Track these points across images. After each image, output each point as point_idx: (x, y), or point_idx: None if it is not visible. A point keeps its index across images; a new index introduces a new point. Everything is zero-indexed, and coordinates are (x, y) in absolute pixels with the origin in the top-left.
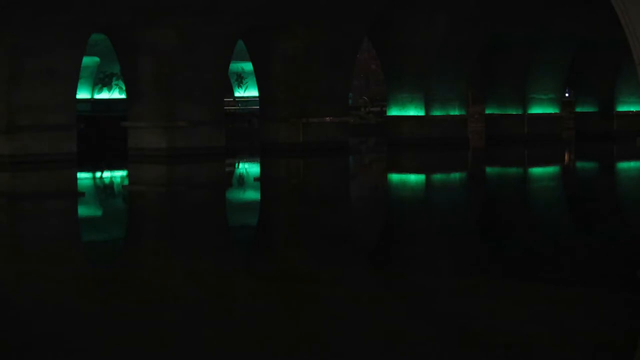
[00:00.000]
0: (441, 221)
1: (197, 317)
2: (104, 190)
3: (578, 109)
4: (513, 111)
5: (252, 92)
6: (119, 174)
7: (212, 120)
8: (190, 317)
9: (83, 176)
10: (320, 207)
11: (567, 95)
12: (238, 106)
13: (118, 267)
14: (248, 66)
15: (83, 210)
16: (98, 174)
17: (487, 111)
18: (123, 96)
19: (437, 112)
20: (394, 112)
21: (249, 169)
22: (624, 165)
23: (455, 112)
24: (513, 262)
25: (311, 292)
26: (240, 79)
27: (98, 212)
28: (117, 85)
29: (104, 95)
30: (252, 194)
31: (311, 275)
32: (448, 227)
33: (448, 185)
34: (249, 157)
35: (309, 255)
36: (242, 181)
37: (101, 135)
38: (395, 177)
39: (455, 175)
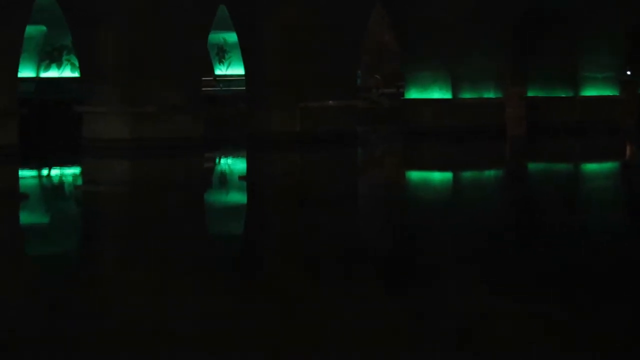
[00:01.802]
0: (471, 232)
1: (172, 351)
2: (52, 191)
3: None
4: (561, 93)
5: (237, 69)
6: (71, 171)
7: (187, 104)
8: (164, 351)
9: (26, 174)
10: (321, 214)
11: (628, 73)
12: (219, 87)
13: (68, 291)
14: (231, 37)
15: (26, 217)
16: (45, 172)
17: (529, 93)
18: (76, 74)
19: (466, 95)
20: (413, 94)
21: (233, 165)
22: None
23: (489, 94)
24: (564, 287)
25: (307, 322)
26: (222, 53)
27: (44, 219)
28: (68, 60)
29: (52, 73)
30: (237, 197)
31: (307, 301)
32: (479, 239)
33: (480, 186)
34: (233, 151)
35: (306, 275)
36: (224, 181)
37: (49, 123)
38: (413, 175)
39: (489, 174)
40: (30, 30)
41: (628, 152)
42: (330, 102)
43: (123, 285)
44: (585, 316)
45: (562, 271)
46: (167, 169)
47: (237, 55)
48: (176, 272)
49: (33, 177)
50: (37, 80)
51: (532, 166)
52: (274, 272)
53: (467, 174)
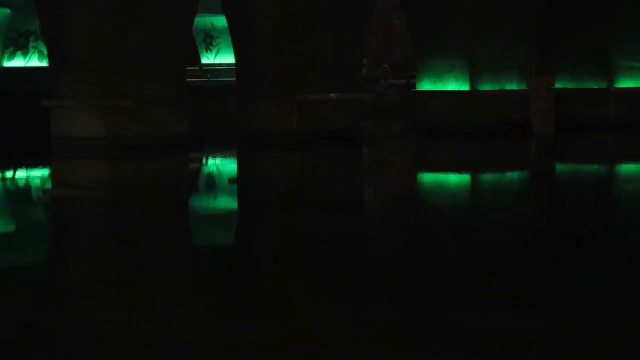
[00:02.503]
0: (490, 243)
1: None
2: (17, 196)
3: None
4: (593, 84)
5: (226, 57)
6: (38, 174)
7: (169, 97)
8: None
9: None
10: (321, 223)
11: None
12: (206, 78)
13: (30, 314)
14: (220, 21)
15: None
16: (8, 174)
17: (558, 85)
18: (44, 64)
19: (486, 86)
20: (426, 85)
21: (222, 166)
22: None
23: (512, 85)
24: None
25: (307, 343)
26: (210, 40)
27: (9, 228)
28: (35, 48)
29: (18, 62)
30: (226, 203)
31: (306, 319)
32: (500, 251)
33: (501, 191)
34: (221, 150)
35: (304, 292)
36: (211, 184)
37: (13, 119)
38: (426, 179)
39: (511, 177)
40: None
41: None
42: (333, 95)
43: (95, 304)
44: (611, 337)
45: (591, 286)
46: (146, 171)
47: (226, 41)
48: (157, 289)
49: None
50: (1, 70)
51: (561, 168)
52: (267, 288)
53: (487, 178)
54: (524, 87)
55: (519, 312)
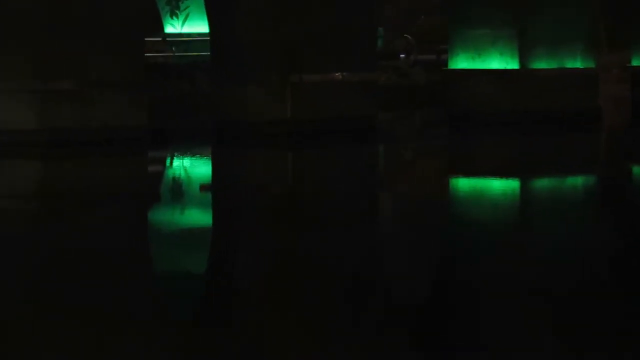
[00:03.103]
0: (546, 273)
1: None
2: None
3: None
4: None
5: (197, 26)
6: None
7: (122, 78)
8: None
9: None
10: (321, 245)
11: None
12: (171, 52)
13: None
14: None
15: None
16: None
17: (635, 62)
18: None
19: (541, 64)
20: (461, 63)
21: (192, 169)
22: None
23: (576, 63)
24: None
25: None
26: (176, 2)
27: None
28: None
29: None
30: (197, 218)
31: None
32: (558, 286)
33: (560, 202)
34: (191, 148)
35: (296, 334)
36: (178, 193)
37: None
38: (461, 186)
39: (575, 182)
40: None
41: None
42: (337, 74)
43: (25, 347)
44: None
45: None
46: (91, 175)
47: (197, 5)
48: (107, 328)
49: None
50: None
51: None
52: (249, 330)
53: (545, 183)
54: (591, 65)
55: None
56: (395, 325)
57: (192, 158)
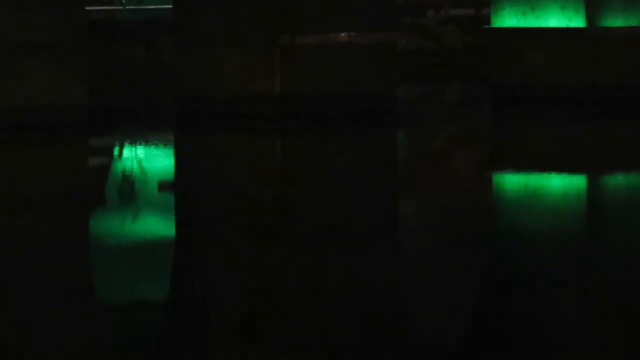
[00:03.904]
0: (615, 301)
1: None
2: None
3: None
4: None
5: None
6: None
7: (56, 41)
8: None
9: None
10: (321, 264)
11: None
12: (122, 6)
13: None
14: None
15: None
16: None
17: None
18: None
19: (617, 21)
20: (508, 20)
21: (148, 160)
22: None
23: None
24: None
25: None
26: None
27: None
28: None
29: None
30: (155, 226)
31: None
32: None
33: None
34: (147, 132)
35: None
36: (130, 192)
37: None
38: (508, 185)
39: None
40: None
41: None
42: (343, 34)
43: None
44: None
45: None
46: (17, 167)
47: None
48: None
49: None
50: None
51: None
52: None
53: (617, 180)
54: None
55: None
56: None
57: (148, 147)
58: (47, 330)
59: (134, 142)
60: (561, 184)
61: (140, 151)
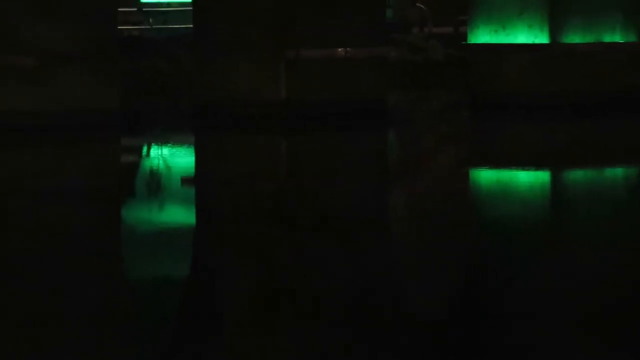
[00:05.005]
0: (589, 285)
1: None
2: None
3: None
4: None
5: None
6: None
7: (91, 55)
8: None
9: None
10: (323, 250)
11: None
12: (149, 25)
13: None
14: None
15: None
16: None
17: None
18: None
19: (576, 38)
20: (483, 36)
21: (171, 158)
22: None
23: (615, 37)
24: None
25: None
26: None
27: None
28: None
29: None
30: (178, 215)
31: None
32: (603, 298)
33: (598, 198)
34: (170, 134)
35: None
36: (155, 185)
37: None
38: (486, 178)
39: (614, 176)
40: None
41: None
42: (340, 50)
43: None
44: None
45: None
46: (53, 164)
47: None
48: (71, 346)
49: None
50: None
51: None
52: (237, 350)
53: (581, 175)
54: (633, 38)
55: None
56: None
57: (172, 146)
58: (78, 294)
59: (158, 142)
60: (529, 178)
61: (165, 150)
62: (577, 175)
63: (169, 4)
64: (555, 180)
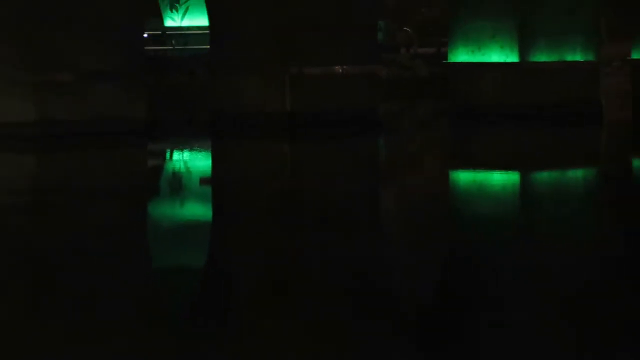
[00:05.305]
0: (552, 269)
1: None
2: None
3: None
4: None
5: (197, 19)
6: None
7: (121, 71)
8: None
9: None
10: (319, 244)
11: None
12: (172, 46)
13: None
14: None
15: None
16: None
17: (637, 55)
18: None
19: (542, 57)
20: (461, 56)
21: (191, 161)
22: None
23: (576, 56)
24: None
25: None
26: None
27: None
28: None
29: None
30: (197, 210)
31: None
32: (562, 283)
33: (559, 195)
34: (190, 140)
35: (298, 334)
36: (177, 185)
37: None
38: (464, 180)
39: (575, 175)
40: None
41: None
42: (338, 67)
43: (26, 343)
44: None
45: None
46: (89, 167)
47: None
48: (103, 327)
49: None
50: None
51: None
52: (250, 329)
53: (545, 176)
54: (591, 57)
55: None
56: (393, 322)
57: (192, 151)
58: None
59: (180, 146)
60: (499, 177)
61: (186, 154)
62: (542, 175)
63: (188, 28)
64: (522, 178)
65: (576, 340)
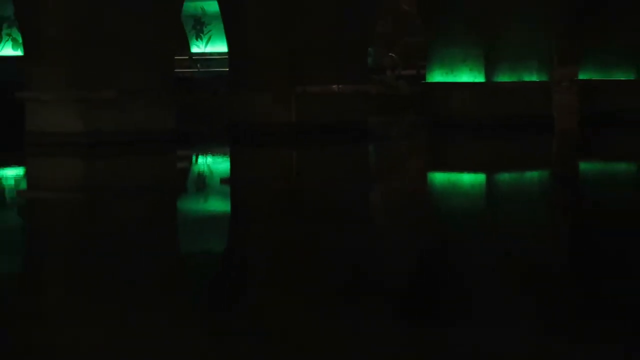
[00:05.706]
0: (511, 253)
1: None
2: None
3: None
4: (622, 76)
5: (218, 46)
6: (11, 173)
7: (155, 89)
8: None
9: None
10: (324, 231)
11: None
12: (197, 68)
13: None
14: (211, 6)
15: None
16: None
17: (582, 76)
18: (19, 52)
19: (504, 78)
20: (437, 77)
21: (214, 164)
22: None
23: (532, 77)
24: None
25: None
26: (200, 27)
27: None
28: (9, 35)
29: None
30: (218, 205)
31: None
32: (523, 263)
33: (519, 191)
34: (213, 147)
35: (303, 310)
36: (201, 184)
37: None
38: (438, 178)
39: (531, 176)
40: None
41: None
42: (335, 86)
43: (70, 322)
44: None
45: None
46: (129, 170)
47: (218, 28)
48: (139, 305)
49: None
50: None
51: (586, 166)
52: (262, 307)
53: (506, 177)
54: (545, 78)
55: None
56: (381, 301)
57: (213, 156)
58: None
59: (204, 153)
60: (474, 180)
61: (208, 158)
62: (503, 176)
63: (211, 54)
64: (488, 179)
65: (535, 305)
